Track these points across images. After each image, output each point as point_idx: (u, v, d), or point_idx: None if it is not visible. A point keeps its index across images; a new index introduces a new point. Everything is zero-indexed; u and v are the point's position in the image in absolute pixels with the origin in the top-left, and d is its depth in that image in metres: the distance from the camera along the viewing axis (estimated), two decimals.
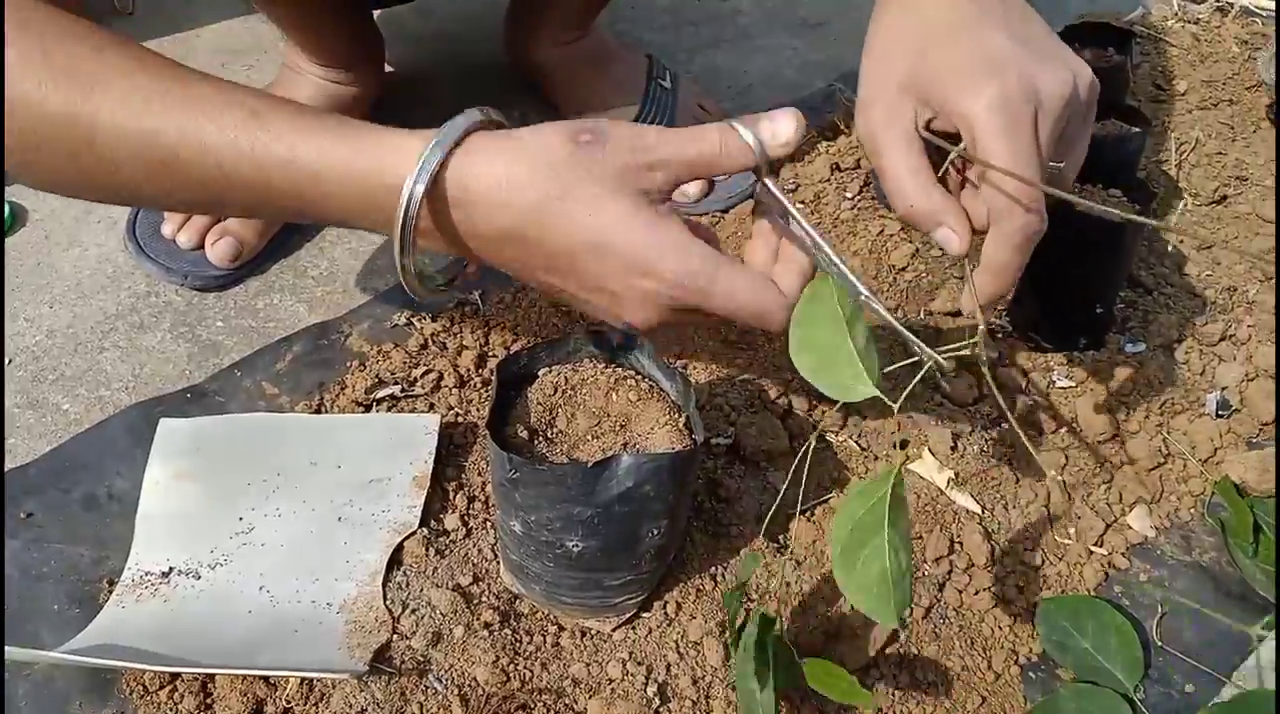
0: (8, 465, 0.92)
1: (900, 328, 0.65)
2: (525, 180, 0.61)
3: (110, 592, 0.82)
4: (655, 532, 0.72)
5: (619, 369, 0.79)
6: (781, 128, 0.63)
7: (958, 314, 1.03)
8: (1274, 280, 1.06)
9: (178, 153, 0.62)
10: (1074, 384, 0.99)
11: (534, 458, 0.73)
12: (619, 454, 0.70)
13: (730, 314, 0.64)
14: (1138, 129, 1.03)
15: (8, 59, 0.60)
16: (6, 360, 1.02)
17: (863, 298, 0.65)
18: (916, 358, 0.65)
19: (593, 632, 0.80)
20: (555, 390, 0.77)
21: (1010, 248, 0.68)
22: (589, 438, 0.75)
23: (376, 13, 1.28)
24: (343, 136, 0.63)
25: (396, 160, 0.62)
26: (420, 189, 0.61)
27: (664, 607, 0.82)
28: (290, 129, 0.63)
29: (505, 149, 0.62)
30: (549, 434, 0.76)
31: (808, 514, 0.89)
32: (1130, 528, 0.90)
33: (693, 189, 1.18)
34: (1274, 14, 1.45)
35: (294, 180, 0.63)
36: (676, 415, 0.76)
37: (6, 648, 0.75)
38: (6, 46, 0.60)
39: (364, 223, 0.66)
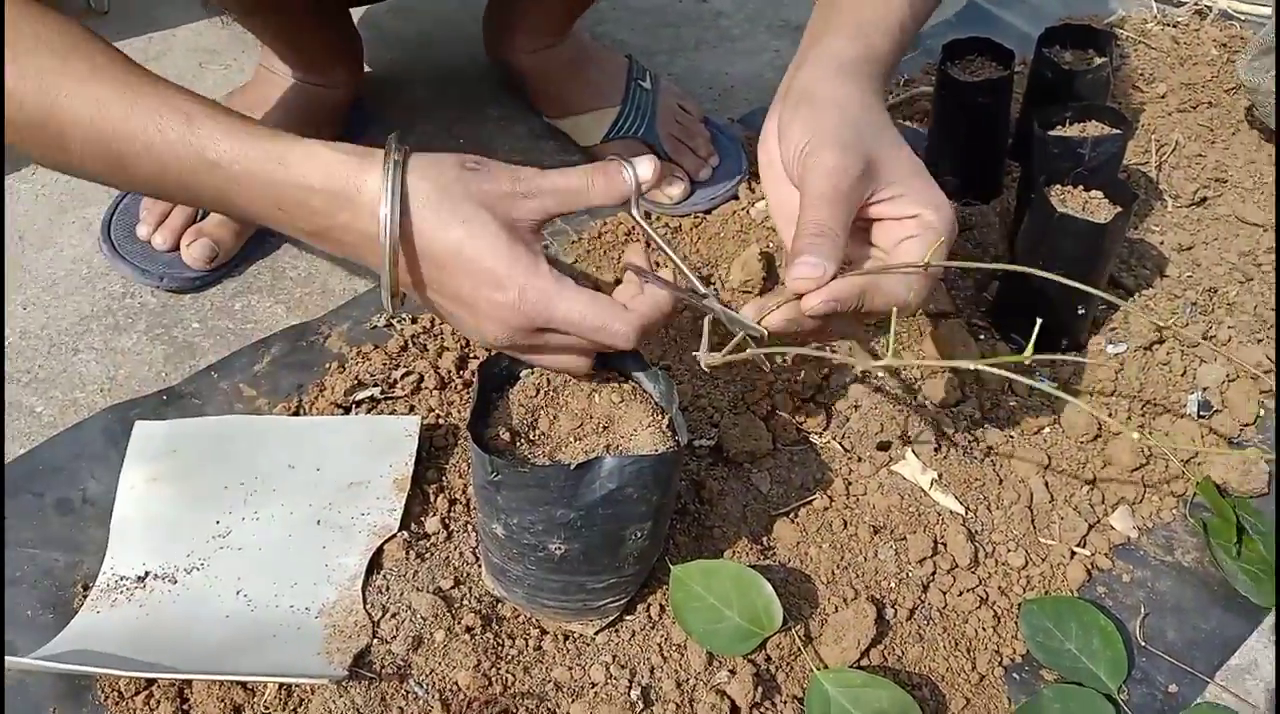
0: None
1: (732, 314, 0.70)
2: (415, 193, 0.67)
3: (85, 596, 0.81)
4: (639, 534, 0.72)
5: (602, 371, 0.78)
6: (642, 169, 0.72)
7: (939, 315, 1.03)
8: (1275, 279, 1.07)
9: (124, 153, 0.69)
10: (1056, 385, 0.99)
11: (516, 460, 0.72)
12: (602, 456, 0.69)
13: (574, 328, 0.68)
14: (1118, 130, 1.03)
15: None
16: None
17: (706, 300, 0.72)
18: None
19: (575, 635, 0.80)
20: (537, 392, 0.76)
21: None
22: (571, 440, 0.75)
23: (356, 15, 1.27)
24: (273, 149, 0.69)
25: (357, 179, 0.68)
26: (397, 212, 0.66)
27: (647, 609, 0.81)
28: (221, 135, 0.68)
29: (410, 169, 0.68)
30: (531, 436, 0.75)
31: (790, 516, 0.88)
32: (1113, 528, 0.90)
33: (675, 191, 1.18)
34: (1252, 18, 1.46)
35: (218, 184, 0.69)
36: (660, 417, 0.75)
37: None
38: None
39: (291, 227, 0.72)
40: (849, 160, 0.68)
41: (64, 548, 0.85)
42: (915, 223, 0.70)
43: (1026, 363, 0.57)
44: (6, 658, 0.74)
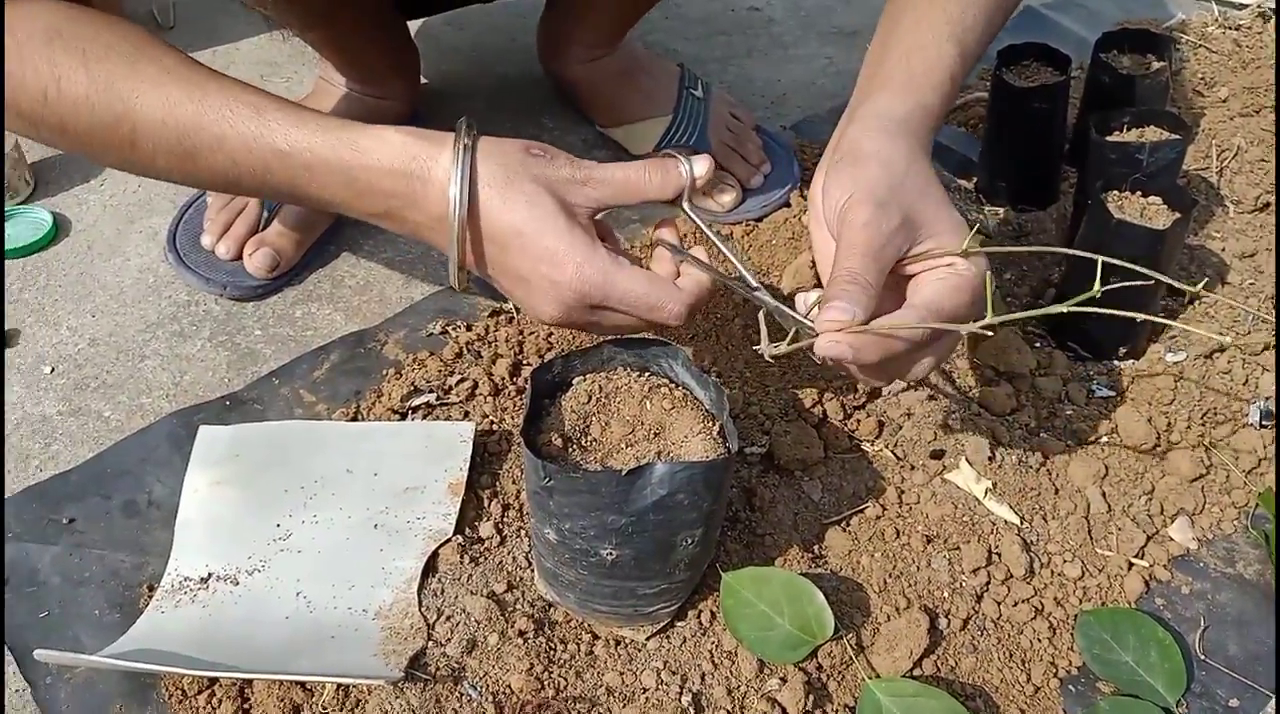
0: (50, 472, 0.94)
1: (785, 309, 0.73)
2: (482, 174, 0.71)
3: (150, 597, 0.83)
4: (689, 540, 0.72)
5: (653, 377, 0.79)
6: (698, 165, 0.76)
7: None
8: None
9: (196, 148, 0.73)
10: (1114, 394, 0.98)
11: (568, 466, 0.73)
12: (653, 462, 0.70)
13: (630, 307, 0.72)
14: (1178, 135, 1.02)
15: (56, 72, 0.71)
16: (49, 368, 1.04)
17: (757, 292, 0.75)
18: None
19: (627, 640, 0.80)
20: (589, 398, 0.77)
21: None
22: (623, 446, 0.75)
23: (413, 28, 1.29)
24: (343, 135, 0.73)
25: (428, 161, 0.72)
26: (465, 193, 0.71)
27: (698, 616, 0.81)
28: (291, 125, 0.73)
29: (478, 152, 0.72)
30: (583, 442, 0.76)
31: (843, 524, 0.88)
32: (1172, 540, 0.89)
33: (726, 198, 1.18)
34: None
35: (290, 172, 0.73)
36: (711, 424, 0.75)
37: (49, 652, 0.76)
38: (50, 62, 0.71)
39: (361, 210, 0.76)
40: (884, 215, 0.69)
41: (130, 549, 0.87)
42: (947, 270, 0.71)
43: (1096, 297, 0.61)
44: (75, 655, 0.76)
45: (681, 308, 0.73)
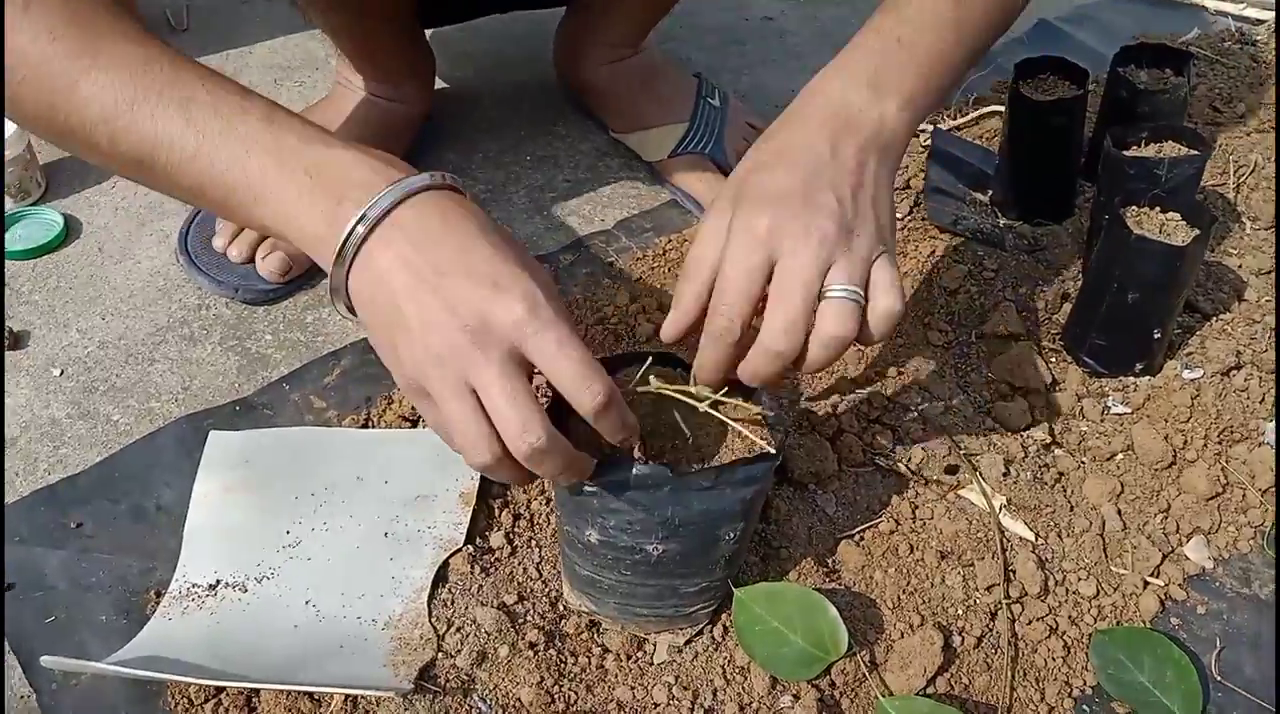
0: (59, 475, 0.93)
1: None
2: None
3: (157, 603, 0.83)
4: (731, 535, 0.72)
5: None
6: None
7: (1009, 337, 1.01)
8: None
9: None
10: (1130, 410, 0.97)
11: (617, 456, 0.71)
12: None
13: (561, 364, 0.61)
14: (1196, 151, 1.01)
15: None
16: (58, 371, 1.03)
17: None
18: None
19: (638, 655, 0.79)
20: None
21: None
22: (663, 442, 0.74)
23: (428, 31, 1.29)
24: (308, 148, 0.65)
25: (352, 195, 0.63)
26: (361, 230, 0.62)
27: (711, 631, 0.80)
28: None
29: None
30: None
31: (856, 539, 0.87)
32: (1187, 558, 0.88)
33: None
34: None
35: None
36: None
37: (55, 659, 0.75)
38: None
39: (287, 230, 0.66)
40: None
41: (138, 555, 0.87)
42: None
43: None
44: (82, 663, 0.76)
45: (605, 392, 0.61)
